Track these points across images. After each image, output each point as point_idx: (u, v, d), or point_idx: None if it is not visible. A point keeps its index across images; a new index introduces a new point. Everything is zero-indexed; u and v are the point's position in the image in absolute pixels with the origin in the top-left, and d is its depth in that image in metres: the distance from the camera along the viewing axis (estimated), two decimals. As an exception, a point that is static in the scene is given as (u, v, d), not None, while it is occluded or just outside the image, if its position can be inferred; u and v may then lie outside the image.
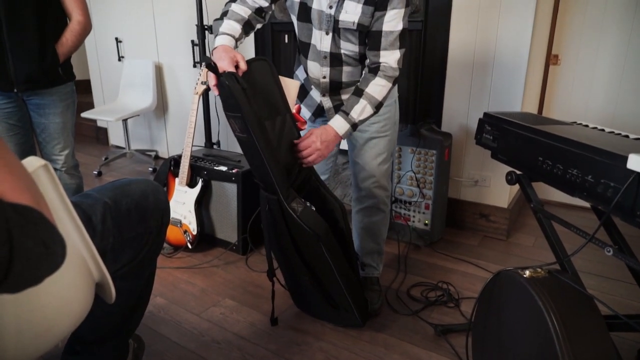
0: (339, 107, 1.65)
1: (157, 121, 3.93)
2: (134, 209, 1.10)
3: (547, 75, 2.84)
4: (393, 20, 1.44)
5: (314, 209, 1.57)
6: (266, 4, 1.57)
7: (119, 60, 3.96)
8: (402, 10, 1.45)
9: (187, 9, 3.27)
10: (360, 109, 1.48)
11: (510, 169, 1.48)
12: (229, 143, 3.42)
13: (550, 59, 2.82)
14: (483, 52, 2.38)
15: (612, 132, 1.39)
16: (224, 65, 1.34)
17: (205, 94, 2.79)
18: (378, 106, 1.50)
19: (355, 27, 1.48)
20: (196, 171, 2.35)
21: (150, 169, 3.70)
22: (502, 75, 2.35)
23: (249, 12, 1.55)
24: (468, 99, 2.47)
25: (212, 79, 1.38)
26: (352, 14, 1.47)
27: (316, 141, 1.45)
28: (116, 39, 3.92)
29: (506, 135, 1.45)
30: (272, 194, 1.52)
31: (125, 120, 3.71)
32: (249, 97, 1.37)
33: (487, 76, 2.39)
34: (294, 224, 1.50)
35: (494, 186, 2.50)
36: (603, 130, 1.42)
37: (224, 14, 1.54)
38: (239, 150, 3.38)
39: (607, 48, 2.64)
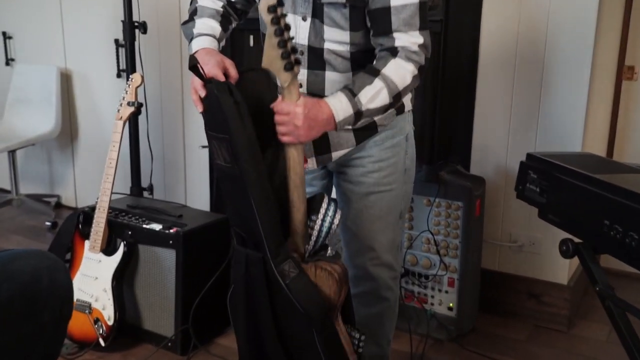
0: (322, 141, 1.66)
1: (60, 153, 3.94)
2: (18, 298, 1.10)
3: (620, 94, 2.95)
4: None
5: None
6: None
7: (7, 64, 4.00)
8: None
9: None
10: (373, 93, 1.48)
11: (565, 234, 1.52)
12: (167, 188, 3.44)
13: (624, 72, 2.94)
14: (528, 61, 2.47)
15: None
16: (211, 70, 1.45)
17: (133, 119, 2.81)
18: (396, 97, 1.52)
19: (344, 4, 1.52)
20: (116, 231, 2.35)
21: (49, 223, 3.67)
22: (556, 94, 2.43)
23: (220, 3, 1.68)
24: (507, 128, 2.55)
25: (197, 89, 1.48)
26: None
27: (299, 112, 1.42)
28: (4, 34, 3.97)
29: (559, 188, 1.49)
30: (255, 249, 1.54)
31: (12, 152, 3.71)
32: (243, 114, 1.45)
33: (533, 95, 2.47)
34: (279, 297, 1.51)
35: (548, 253, 2.54)
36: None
37: (193, 12, 1.66)
38: (179, 198, 3.39)
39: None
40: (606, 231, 1.33)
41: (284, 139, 1.45)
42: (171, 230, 2.28)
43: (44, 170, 4.05)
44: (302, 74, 1.64)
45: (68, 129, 3.83)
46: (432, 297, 2.47)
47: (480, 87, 2.56)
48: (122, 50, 3.34)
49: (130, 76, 2.38)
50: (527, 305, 2.60)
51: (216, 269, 2.26)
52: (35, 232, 3.61)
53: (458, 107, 2.61)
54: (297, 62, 1.40)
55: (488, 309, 2.64)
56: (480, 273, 2.57)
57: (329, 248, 1.63)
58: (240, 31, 3.09)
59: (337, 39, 1.58)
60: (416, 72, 1.52)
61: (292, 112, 1.42)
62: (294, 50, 1.39)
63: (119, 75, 3.46)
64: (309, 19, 1.58)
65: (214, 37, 1.61)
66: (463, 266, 2.41)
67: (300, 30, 1.61)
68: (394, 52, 1.51)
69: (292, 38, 1.38)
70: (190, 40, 1.62)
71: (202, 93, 1.48)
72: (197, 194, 3.34)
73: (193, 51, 1.57)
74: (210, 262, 2.27)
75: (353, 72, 1.62)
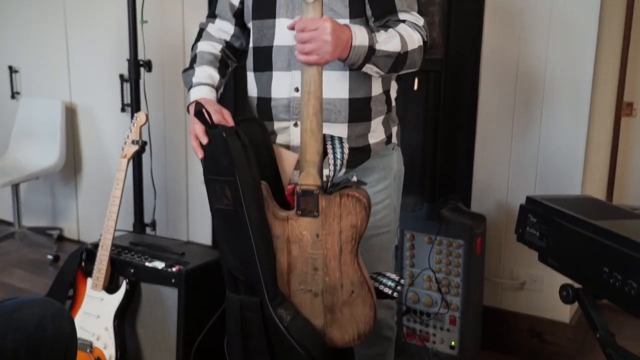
0: None
1: (64, 185, 3.97)
2: (24, 348, 1.12)
3: (619, 130, 2.98)
4: None
5: None
6: (231, 29, 1.76)
7: (13, 97, 4.06)
8: None
9: (115, 36, 3.41)
10: (388, 37, 1.53)
11: (565, 279, 1.53)
12: (169, 223, 3.46)
13: (623, 108, 2.97)
14: (527, 99, 2.52)
15: None
16: (214, 116, 1.53)
17: (137, 156, 2.84)
18: (404, 54, 1.55)
19: None
20: (118, 268, 2.36)
21: (50, 257, 3.69)
22: (555, 131, 2.47)
23: (219, 46, 1.76)
24: (508, 166, 2.57)
25: (199, 136, 1.53)
26: None
27: (328, 26, 1.39)
28: (10, 68, 4.03)
29: (559, 233, 1.51)
30: (249, 293, 1.55)
31: (16, 185, 3.74)
32: (250, 158, 1.51)
33: (533, 133, 2.51)
34: (279, 340, 1.53)
35: (550, 290, 2.54)
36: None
37: (193, 60, 1.73)
38: (181, 233, 3.41)
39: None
40: (605, 278, 1.35)
41: (310, 58, 1.41)
42: (174, 269, 2.28)
43: (47, 203, 4.08)
44: (297, 76, 1.65)
45: (72, 162, 3.88)
46: (434, 335, 2.47)
47: (480, 124, 2.60)
48: (126, 85, 3.39)
49: (135, 115, 2.41)
50: (529, 343, 2.60)
51: (218, 307, 2.25)
52: (37, 265, 3.63)
53: (458, 144, 2.64)
54: None
55: (490, 346, 2.64)
56: (482, 311, 2.57)
57: (354, 175, 1.57)
58: (242, 68, 3.13)
59: None
60: (421, 42, 1.59)
61: (321, 26, 1.39)
62: None
63: (123, 110, 3.51)
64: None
65: (212, 86, 1.68)
66: (465, 304, 2.41)
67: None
68: (401, 22, 1.60)
69: None
70: (190, 88, 1.68)
71: (204, 140, 1.52)
72: (199, 229, 3.36)
73: (192, 100, 1.64)
74: (212, 300, 2.26)
75: (350, 70, 1.64)
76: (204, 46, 1.75)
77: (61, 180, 3.96)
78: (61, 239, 4.01)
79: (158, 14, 3.18)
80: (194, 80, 1.68)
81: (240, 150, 1.50)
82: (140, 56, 2.84)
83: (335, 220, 1.51)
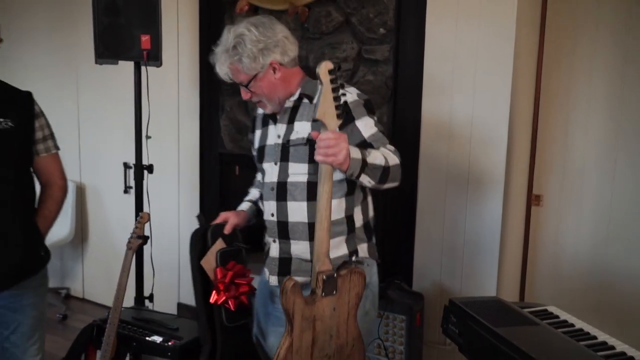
0: (285, 263, 1.88)
1: (72, 251, 4.07)
2: None
3: (530, 217, 3.22)
4: (367, 127, 1.77)
5: None
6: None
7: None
8: (370, 119, 1.80)
9: (121, 134, 3.58)
10: (374, 154, 1.68)
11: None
12: (167, 299, 3.54)
13: (532, 200, 3.21)
14: (455, 193, 2.76)
15: (581, 332, 1.65)
16: (220, 218, 2.02)
17: (139, 249, 2.92)
18: (387, 168, 1.70)
19: (305, 143, 1.81)
20: (123, 341, 2.46)
21: (59, 316, 3.76)
22: (477, 221, 2.71)
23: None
24: (440, 250, 2.80)
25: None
26: (302, 131, 1.83)
27: (344, 137, 1.60)
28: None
29: (471, 334, 1.69)
30: None
31: (32, 254, 3.81)
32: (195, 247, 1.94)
33: (459, 228, 2.74)
34: None
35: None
36: (572, 326, 1.69)
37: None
38: (172, 301, 3.55)
39: (591, 185, 3.00)
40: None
41: (330, 159, 1.59)
42: (170, 343, 2.39)
43: (56, 266, 4.14)
44: (272, 205, 1.89)
45: (80, 232, 3.99)
46: (382, 392, 2.65)
47: (419, 222, 2.85)
48: (129, 172, 3.52)
49: (140, 214, 2.55)
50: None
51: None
52: (48, 324, 3.64)
53: (401, 236, 2.87)
54: (345, 112, 1.65)
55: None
56: (422, 371, 2.76)
57: (355, 254, 1.86)
58: (227, 163, 3.32)
59: (298, 172, 1.84)
60: (398, 161, 1.75)
61: (341, 136, 1.60)
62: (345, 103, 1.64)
63: (125, 192, 3.63)
64: (278, 163, 1.87)
65: (249, 200, 2.12)
66: (407, 367, 2.60)
67: (272, 172, 1.88)
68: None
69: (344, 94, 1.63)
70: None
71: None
72: (188, 295, 3.49)
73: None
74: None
75: (308, 202, 1.83)
76: (253, 191, 2.17)
77: (70, 247, 4.05)
78: (68, 296, 4.08)
79: (158, 128, 3.32)
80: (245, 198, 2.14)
81: (195, 247, 1.93)
82: (144, 162, 2.99)
83: (346, 293, 1.71)
